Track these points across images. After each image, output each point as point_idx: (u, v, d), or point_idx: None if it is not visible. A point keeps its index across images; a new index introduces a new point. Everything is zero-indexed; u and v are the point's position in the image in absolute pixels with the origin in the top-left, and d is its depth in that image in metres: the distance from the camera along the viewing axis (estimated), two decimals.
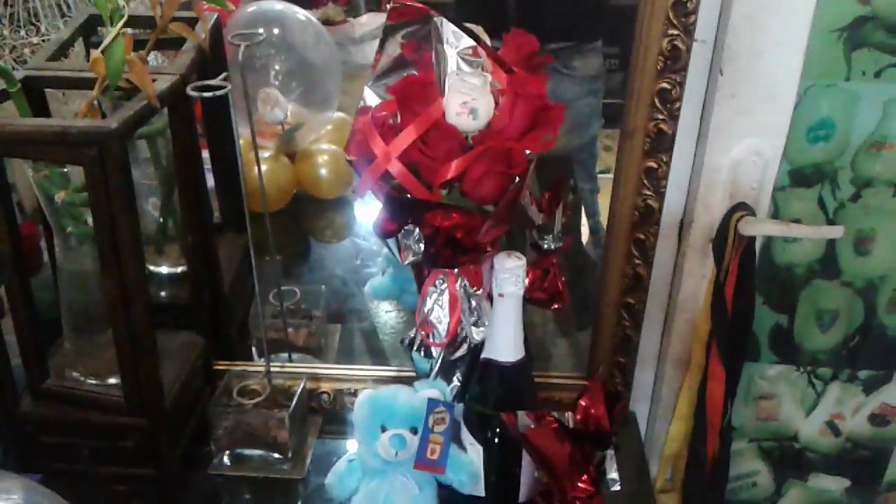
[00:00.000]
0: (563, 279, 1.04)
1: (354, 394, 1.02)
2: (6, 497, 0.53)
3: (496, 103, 0.80)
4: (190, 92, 0.78)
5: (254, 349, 1.08)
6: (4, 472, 0.57)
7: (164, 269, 1.05)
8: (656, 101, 0.85)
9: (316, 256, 1.41)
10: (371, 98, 0.84)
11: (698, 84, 0.87)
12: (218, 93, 0.77)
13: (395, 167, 0.75)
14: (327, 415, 1.03)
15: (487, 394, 0.84)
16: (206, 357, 0.98)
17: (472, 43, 0.80)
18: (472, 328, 0.86)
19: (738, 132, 0.87)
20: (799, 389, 1.04)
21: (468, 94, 0.76)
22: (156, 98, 0.77)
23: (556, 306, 1.03)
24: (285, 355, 1.07)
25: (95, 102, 0.82)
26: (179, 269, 1.04)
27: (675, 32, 0.82)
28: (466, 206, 0.77)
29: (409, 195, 0.77)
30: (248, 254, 1.10)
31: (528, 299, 0.99)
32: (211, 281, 1.00)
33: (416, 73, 0.86)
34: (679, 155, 0.89)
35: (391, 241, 0.80)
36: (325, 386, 1.03)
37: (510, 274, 0.79)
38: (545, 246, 1.01)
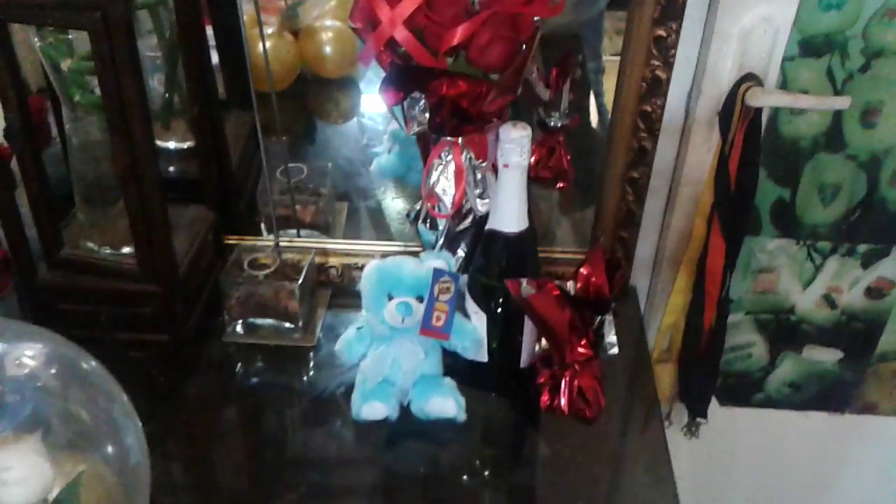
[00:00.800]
0: (569, 157, 1.04)
1: (361, 268, 1.04)
2: (31, 346, 0.55)
3: None
4: None
5: (262, 225, 1.10)
6: (29, 324, 0.59)
7: (172, 145, 1.06)
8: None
9: (322, 136, 1.41)
10: None
11: None
12: None
13: (401, 33, 0.75)
14: (336, 288, 1.06)
15: (491, 264, 0.86)
16: (216, 230, 1.00)
17: None
18: (477, 200, 0.87)
19: (750, 0, 0.86)
20: (798, 263, 1.06)
21: None
22: None
23: (562, 185, 1.04)
24: (294, 231, 1.09)
25: None
26: (186, 145, 1.05)
27: None
28: (473, 73, 0.76)
29: (414, 62, 0.76)
30: (254, 131, 1.11)
31: (534, 178, 1.00)
32: (218, 156, 1.01)
33: None
34: (689, 24, 0.87)
35: (397, 110, 0.80)
36: (334, 260, 1.06)
37: (515, 144, 0.80)
38: (552, 123, 1.02)
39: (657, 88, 0.90)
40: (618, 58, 1.33)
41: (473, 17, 0.75)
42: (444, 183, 0.86)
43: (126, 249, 0.87)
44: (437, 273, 0.86)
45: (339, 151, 1.34)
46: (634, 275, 1.06)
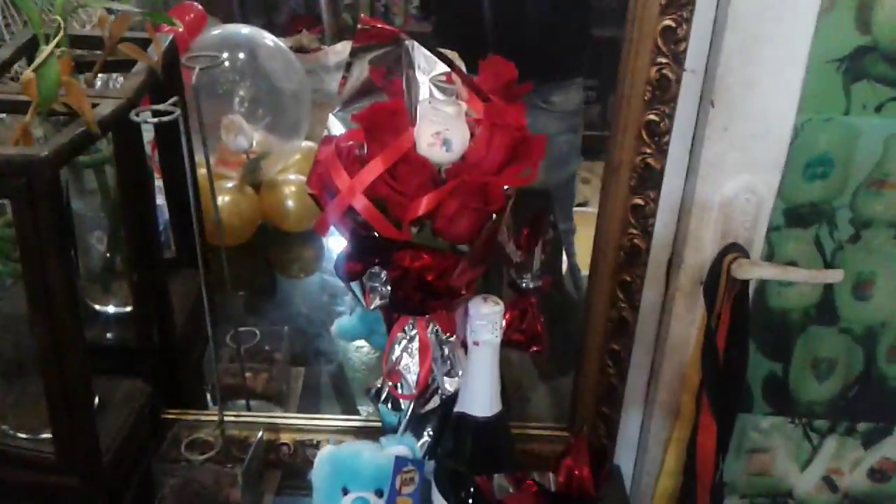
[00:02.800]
0: (542, 320, 0.98)
1: (317, 446, 0.95)
2: None
3: (472, 134, 0.73)
4: (133, 117, 0.71)
5: (209, 396, 1.00)
6: None
7: (111, 309, 0.97)
8: (644, 133, 0.79)
9: (282, 293, 1.34)
10: (336, 126, 0.78)
11: (688, 116, 0.81)
12: (164, 118, 0.70)
13: (360, 202, 0.68)
14: (287, 468, 0.95)
15: (461, 451, 0.76)
16: (153, 405, 0.90)
17: (445, 69, 0.74)
18: (445, 378, 0.79)
19: (731, 168, 0.82)
20: (794, 442, 0.98)
21: (441, 124, 0.70)
22: (95, 123, 0.70)
23: (535, 349, 0.98)
24: (243, 402, 0.99)
25: (34, 129, 0.75)
26: (128, 309, 0.96)
27: (664, 61, 0.76)
28: (438, 245, 0.70)
29: (375, 233, 0.70)
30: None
31: (506, 342, 0.93)
32: (161, 322, 0.92)
33: (385, 99, 0.79)
34: (667, 191, 0.83)
35: (355, 285, 0.72)
36: (286, 437, 0.95)
37: (486, 321, 0.72)
38: (523, 285, 0.96)
39: (636, 257, 0.84)
40: (583, 209, 1.31)
41: (440, 186, 0.69)
42: (408, 360, 0.79)
43: (45, 435, 0.76)
44: (400, 461, 0.76)
45: (298, 309, 1.26)
46: (619, 454, 0.97)
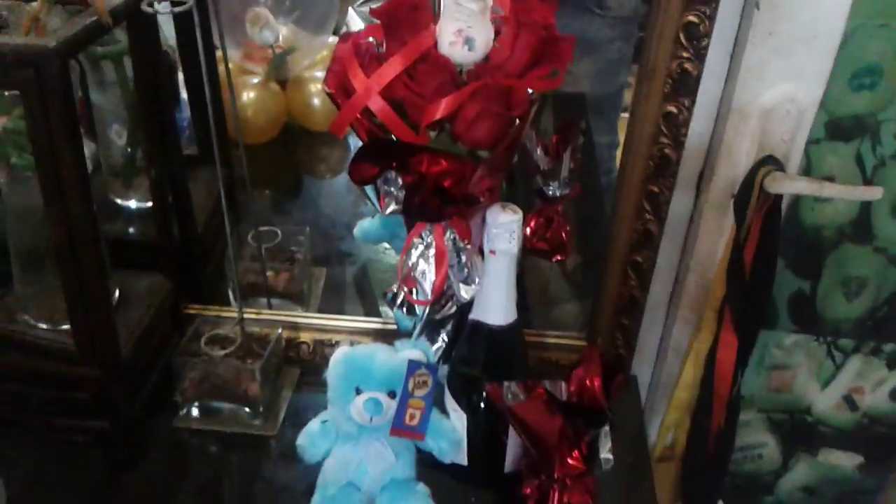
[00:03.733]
0: (568, 229, 0.97)
1: (335, 345, 0.95)
2: None
3: (496, 33, 0.70)
4: (145, 7, 0.68)
5: (230, 293, 1.01)
6: None
7: (133, 204, 0.97)
8: (681, 36, 0.74)
9: (306, 193, 1.33)
10: (355, 21, 0.75)
11: (730, 19, 0.76)
12: (177, 9, 0.67)
13: (377, 104, 0.66)
14: (306, 366, 0.96)
15: (474, 357, 0.77)
16: (174, 301, 0.91)
17: None
18: (461, 285, 0.78)
19: (773, 76, 0.77)
20: (817, 361, 0.96)
21: (464, 21, 0.66)
22: (106, 13, 0.67)
23: (559, 258, 0.97)
24: (264, 301, 1.00)
25: (50, 20, 0.73)
26: (150, 204, 0.96)
27: None
28: (457, 151, 0.67)
29: (392, 136, 0.67)
30: (229, 188, 1.02)
31: (529, 249, 0.92)
32: (181, 218, 0.92)
33: None
34: (703, 99, 0.79)
35: (369, 189, 0.71)
36: (305, 336, 0.96)
37: (503, 229, 0.71)
38: (550, 193, 0.94)
39: (665, 168, 0.81)
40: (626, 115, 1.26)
41: (460, 88, 0.66)
42: (424, 266, 0.77)
43: (65, 326, 0.77)
44: (413, 365, 0.76)
45: (322, 209, 1.25)
46: (636, 365, 0.96)
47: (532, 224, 1.00)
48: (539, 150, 0.90)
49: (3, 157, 0.73)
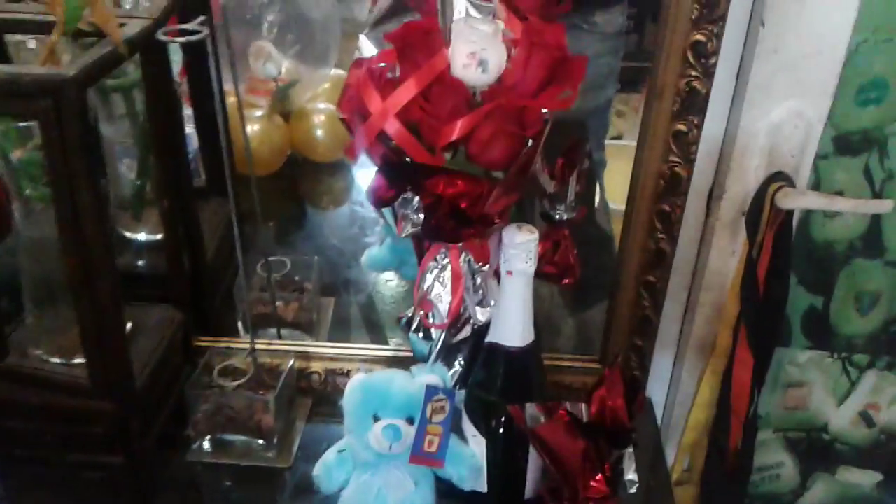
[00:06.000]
0: (576, 252, 0.97)
1: (347, 374, 0.95)
2: None
3: (508, 55, 0.70)
4: (160, 36, 0.68)
5: (240, 324, 1.00)
6: None
7: (143, 236, 0.97)
8: (689, 55, 0.75)
9: (311, 223, 1.33)
10: (367, 48, 0.75)
11: (736, 37, 0.77)
12: (192, 38, 0.68)
13: (393, 126, 0.66)
14: (318, 396, 0.95)
15: (492, 380, 0.76)
16: (185, 332, 0.90)
17: None
18: (477, 308, 0.78)
19: (779, 92, 0.78)
20: (832, 377, 0.96)
21: (477, 44, 0.67)
22: (122, 43, 0.68)
23: (568, 281, 0.96)
24: (274, 331, 0.99)
25: (63, 53, 0.73)
26: (159, 237, 0.96)
27: None
28: (472, 171, 0.68)
29: (407, 158, 0.68)
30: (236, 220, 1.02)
31: (538, 273, 0.92)
32: (191, 250, 0.92)
33: (417, 19, 0.76)
34: (711, 117, 0.79)
35: (387, 211, 0.71)
36: (316, 365, 0.95)
37: (520, 249, 0.71)
38: (556, 216, 0.94)
39: (676, 186, 0.82)
40: (617, 142, 1.27)
41: (475, 109, 0.66)
42: (440, 289, 0.77)
43: (78, 360, 0.77)
44: (431, 391, 0.75)
45: (328, 240, 1.25)
46: (651, 386, 0.96)
47: (539, 248, 1.00)
48: (545, 174, 0.91)
49: (18, 190, 0.72)
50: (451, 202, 0.68)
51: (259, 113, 1.28)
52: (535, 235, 0.71)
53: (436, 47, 0.68)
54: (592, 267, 1.10)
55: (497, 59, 0.67)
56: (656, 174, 0.81)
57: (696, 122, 0.78)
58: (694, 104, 0.77)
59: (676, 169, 0.81)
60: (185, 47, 0.87)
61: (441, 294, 0.77)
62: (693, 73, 0.76)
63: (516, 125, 0.67)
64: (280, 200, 1.32)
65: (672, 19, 0.74)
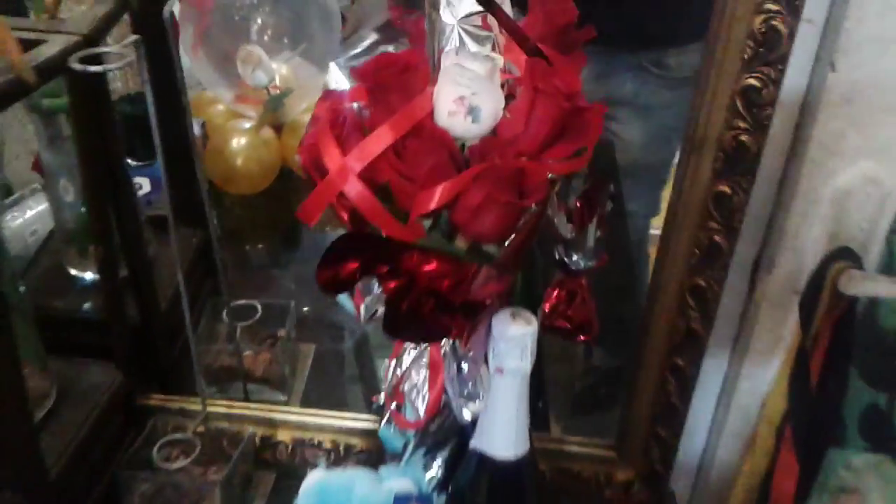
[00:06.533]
0: (594, 305, 0.84)
1: (319, 446, 0.82)
2: None
3: (509, 98, 0.56)
4: (73, 65, 0.55)
5: (201, 379, 0.87)
6: None
7: (89, 275, 0.84)
8: (738, 102, 0.60)
9: (304, 248, 1.20)
10: (339, 78, 0.61)
11: (797, 82, 0.62)
12: (110, 67, 0.54)
13: (354, 188, 0.52)
14: (283, 470, 0.82)
15: (476, 495, 0.62)
16: (127, 394, 0.77)
17: (478, 8, 0.56)
18: (461, 401, 0.64)
19: (850, 152, 0.62)
20: (892, 485, 0.80)
21: (467, 87, 0.52)
22: (29, 69, 0.54)
23: (583, 338, 0.84)
24: (240, 386, 0.87)
25: None
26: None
27: (775, 8, 0.57)
28: (454, 252, 0.53)
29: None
30: (204, 253, 0.90)
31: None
32: (140, 293, 0.79)
33: (404, 45, 0.62)
34: (763, 177, 0.64)
35: (343, 296, 0.57)
36: (283, 434, 0.82)
37: (514, 344, 0.56)
38: (574, 266, 0.81)
39: (715, 259, 0.67)
40: None
41: (461, 170, 0.52)
42: (417, 378, 0.63)
43: None
44: (401, 501, 0.62)
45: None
46: (674, 480, 0.81)
47: (552, 299, 0.87)
48: (561, 215, 0.78)
49: None
50: (426, 284, 0.53)
51: (248, 125, 1.15)
52: (533, 327, 0.57)
53: (416, 88, 0.54)
54: (616, 318, 0.96)
55: (492, 107, 0.53)
56: (691, 242, 0.67)
57: (743, 184, 0.63)
58: (741, 162, 0.63)
59: (716, 237, 0.66)
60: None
61: (417, 385, 0.63)
62: (742, 125, 0.61)
63: (513, 191, 0.53)
64: (269, 222, 1.19)
65: (719, 58, 0.59)
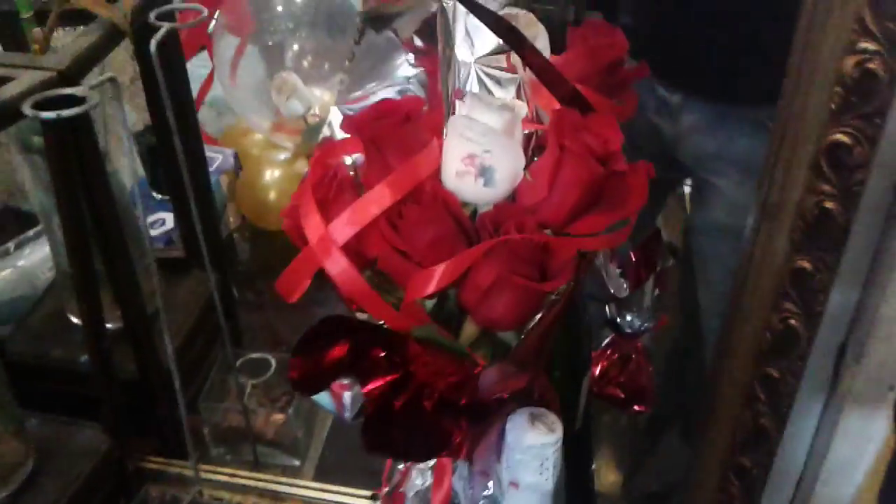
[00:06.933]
0: (651, 371, 0.74)
1: None
2: None
3: (535, 151, 0.47)
4: (27, 110, 0.48)
5: (208, 438, 0.80)
6: None
7: None
8: (823, 162, 0.49)
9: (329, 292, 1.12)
10: (338, 126, 0.52)
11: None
12: (64, 112, 0.47)
13: (337, 265, 0.43)
14: None
15: None
16: (116, 460, 0.70)
17: (500, 43, 0.46)
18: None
19: None
20: None
21: (478, 143, 0.43)
22: None
23: (639, 408, 0.75)
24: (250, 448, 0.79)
25: None
26: (110, 325, 0.76)
27: (873, 47, 0.45)
28: (455, 348, 0.44)
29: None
30: (220, 297, 0.82)
31: (598, 395, 0.71)
32: (139, 347, 0.72)
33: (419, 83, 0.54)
34: (853, 248, 0.52)
35: (322, 396, 0.47)
36: None
37: (531, 455, 0.46)
38: (628, 328, 0.73)
39: (791, 347, 0.55)
40: None
41: (470, 245, 0.42)
42: (419, 479, 0.53)
43: None
44: None
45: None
46: None
47: (603, 363, 0.78)
48: (613, 269, 0.69)
49: None
50: (425, 384, 0.44)
51: (283, 156, 1.08)
52: (557, 436, 0.46)
53: (418, 143, 0.45)
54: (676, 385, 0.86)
55: (508, 167, 0.43)
56: (762, 326, 0.55)
57: (827, 258, 0.52)
58: (826, 232, 0.51)
59: (792, 322, 0.55)
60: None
61: (421, 485, 0.53)
62: (827, 189, 0.50)
63: (533, 271, 0.43)
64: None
65: (798, 108, 0.48)
